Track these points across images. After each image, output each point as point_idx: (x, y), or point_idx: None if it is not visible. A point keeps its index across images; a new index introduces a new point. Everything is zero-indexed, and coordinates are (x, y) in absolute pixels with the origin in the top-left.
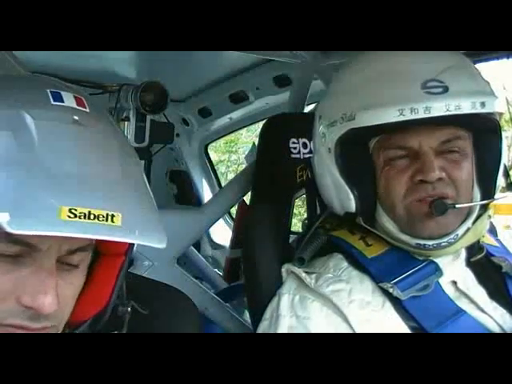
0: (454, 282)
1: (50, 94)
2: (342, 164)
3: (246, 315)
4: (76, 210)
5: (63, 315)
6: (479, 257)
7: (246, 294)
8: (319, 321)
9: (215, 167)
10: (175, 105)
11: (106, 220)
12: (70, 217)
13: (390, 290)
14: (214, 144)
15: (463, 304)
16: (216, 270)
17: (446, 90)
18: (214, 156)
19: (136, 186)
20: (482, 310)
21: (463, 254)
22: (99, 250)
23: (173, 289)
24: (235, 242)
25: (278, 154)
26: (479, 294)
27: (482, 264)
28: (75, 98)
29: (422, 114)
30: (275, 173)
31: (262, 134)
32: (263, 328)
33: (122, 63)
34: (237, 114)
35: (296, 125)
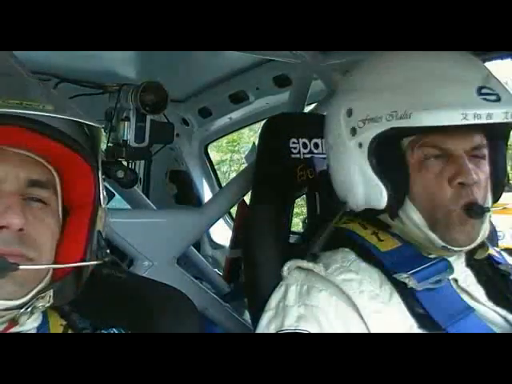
0: (455, 280)
1: None
2: (376, 160)
3: (246, 315)
4: (8, 100)
5: (40, 250)
6: (484, 256)
7: (246, 294)
8: (328, 310)
9: (218, 166)
10: (175, 105)
11: (39, 106)
12: (2, 105)
13: (406, 281)
14: (216, 143)
15: (466, 300)
16: (216, 269)
17: (498, 98)
18: (216, 156)
19: (64, 98)
20: (484, 304)
21: (463, 254)
22: (68, 206)
23: (173, 289)
24: (235, 241)
25: (278, 154)
26: (479, 291)
27: (483, 266)
28: None
29: (483, 120)
30: (275, 173)
31: (262, 134)
32: (268, 317)
33: (122, 63)
34: (237, 114)
35: (296, 125)
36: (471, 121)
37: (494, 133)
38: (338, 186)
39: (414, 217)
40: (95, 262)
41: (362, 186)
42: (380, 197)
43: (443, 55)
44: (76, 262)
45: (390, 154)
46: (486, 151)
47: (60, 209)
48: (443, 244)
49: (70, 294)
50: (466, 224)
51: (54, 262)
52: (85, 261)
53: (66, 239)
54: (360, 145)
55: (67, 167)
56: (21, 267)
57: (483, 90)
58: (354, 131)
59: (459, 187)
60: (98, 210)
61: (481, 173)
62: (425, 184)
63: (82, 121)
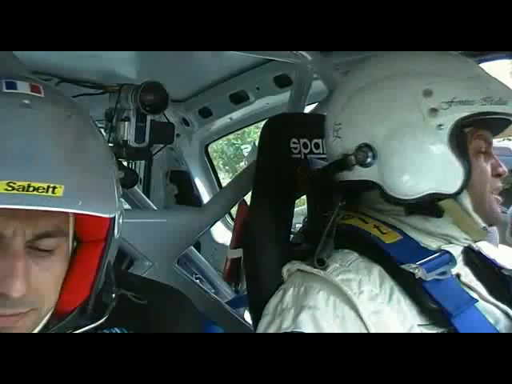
0: (458, 275)
1: (3, 83)
2: (457, 143)
3: (246, 315)
4: (15, 183)
5: (42, 301)
6: (474, 250)
7: (246, 294)
8: (326, 309)
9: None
10: (175, 105)
11: (47, 192)
12: (7, 190)
13: (416, 271)
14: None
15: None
16: (216, 270)
17: None
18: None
19: (88, 161)
20: (486, 299)
21: (460, 253)
22: (79, 238)
23: (173, 289)
24: (235, 241)
25: (279, 154)
26: (480, 286)
27: (480, 265)
28: (31, 85)
29: None
30: (276, 173)
31: (263, 135)
32: (266, 322)
33: (122, 63)
34: (237, 114)
35: (296, 125)
36: None
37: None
38: (395, 172)
39: (464, 202)
40: (96, 324)
41: (439, 167)
42: (456, 179)
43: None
44: (82, 299)
45: (462, 139)
46: None
47: (70, 245)
48: (484, 225)
49: (72, 328)
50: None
51: (58, 299)
52: (90, 297)
53: (75, 275)
54: (440, 126)
55: None
56: None
57: None
58: (434, 112)
59: (496, 177)
60: (110, 244)
61: None
62: (480, 170)
63: (93, 213)
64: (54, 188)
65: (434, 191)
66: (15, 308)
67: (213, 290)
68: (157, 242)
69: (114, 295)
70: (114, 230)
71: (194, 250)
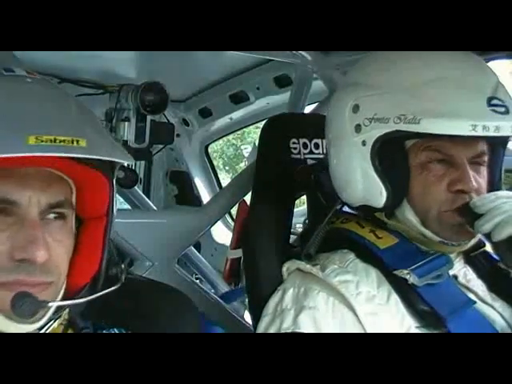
0: (455, 277)
1: (2, 70)
2: (378, 160)
3: (246, 315)
4: (42, 136)
5: (59, 272)
6: (479, 251)
7: (246, 294)
8: (326, 310)
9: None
10: (175, 105)
11: (72, 143)
12: (36, 142)
13: (407, 277)
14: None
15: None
16: (216, 270)
17: (507, 110)
18: None
19: (95, 124)
20: (483, 300)
21: (459, 255)
22: (81, 217)
23: (173, 289)
24: (235, 241)
25: (278, 154)
26: (479, 286)
27: (482, 262)
28: (27, 72)
29: (491, 133)
30: (275, 173)
31: (262, 135)
32: (266, 322)
33: (121, 63)
34: (237, 114)
35: (296, 125)
36: (479, 133)
37: (495, 141)
38: (336, 181)
39: (409, 217)
40: (111, 289)
41: (362, 183)
42: (379, 196)
43: (457, 58)
44: (91, 275)
45: (393, 155)
46: (486, 158)
47: (74, 221)
48: (440, 239)
49: (83, 305)
50: (460, 228)
51: (68, 276)
52: (100, 273)
53: (82, 252)
54: (364, 142)
55: (86, 181)
56: (50, 304)
57: (493, 101)
58: (358, 128)
59: (457, 193)
60: (112, 221)
61: (480, 179)
62: (424, 185)
63: (119, 160)
64: (78, 141)
65: (364, 203)
66: (40, 276)
67: (213, 290)
68: (157, 242)
69: (123, 266)
70: (114, 204)
71: (194, 250)
